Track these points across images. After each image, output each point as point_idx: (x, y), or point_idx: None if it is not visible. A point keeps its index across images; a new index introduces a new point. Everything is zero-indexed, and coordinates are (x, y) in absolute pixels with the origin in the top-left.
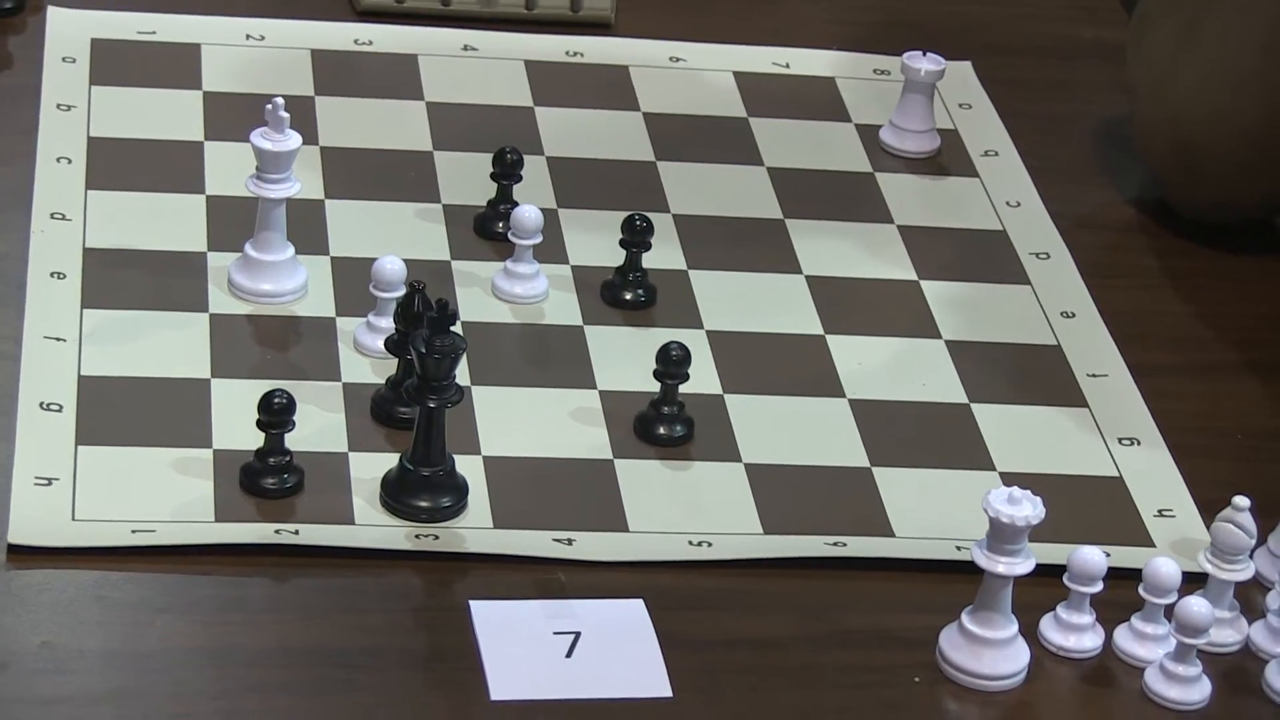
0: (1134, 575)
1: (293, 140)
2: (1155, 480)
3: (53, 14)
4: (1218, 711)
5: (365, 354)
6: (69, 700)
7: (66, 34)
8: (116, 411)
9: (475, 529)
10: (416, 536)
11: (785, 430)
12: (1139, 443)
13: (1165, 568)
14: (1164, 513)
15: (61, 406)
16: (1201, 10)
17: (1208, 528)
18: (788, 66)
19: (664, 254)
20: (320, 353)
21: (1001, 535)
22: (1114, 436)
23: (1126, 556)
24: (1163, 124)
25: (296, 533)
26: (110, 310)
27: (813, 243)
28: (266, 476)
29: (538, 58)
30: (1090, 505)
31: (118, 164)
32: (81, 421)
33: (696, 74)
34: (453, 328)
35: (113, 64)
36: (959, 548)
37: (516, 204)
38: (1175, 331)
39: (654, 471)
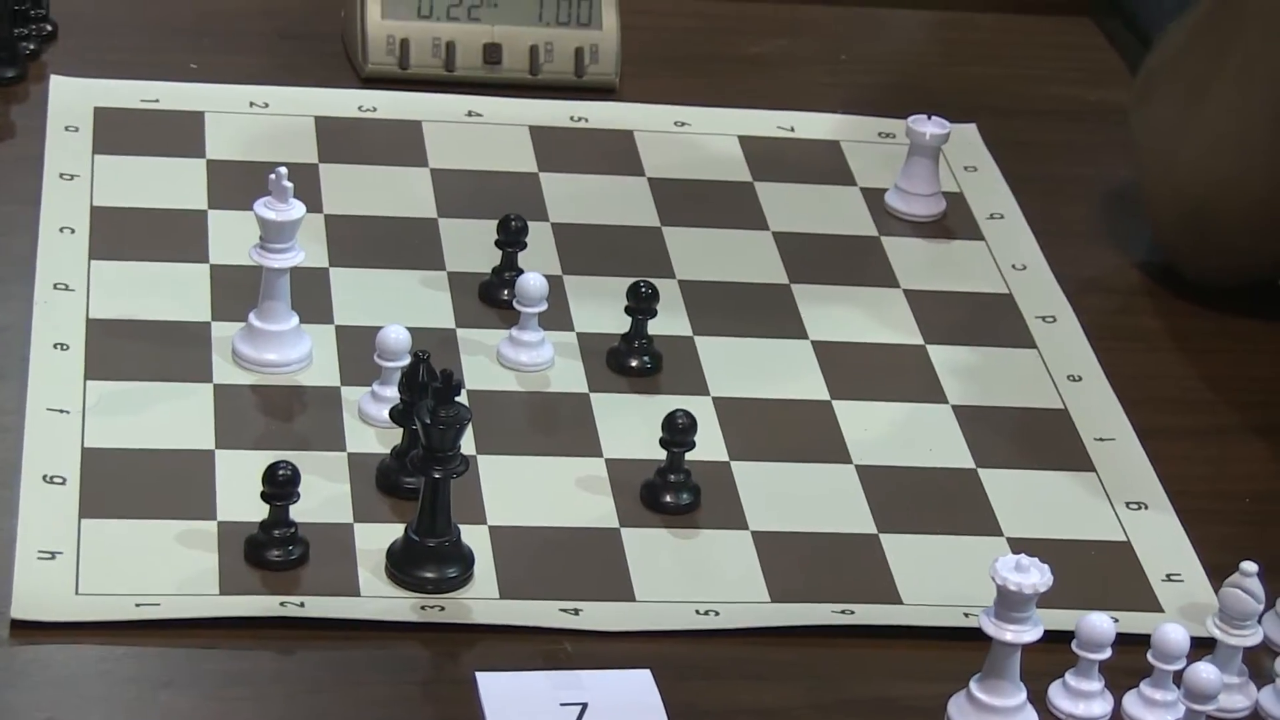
0: (1142, 641)
1: (296, 210)
2: (1163, 545)
3: (56, 83)
4: None
5: (370, 423)
6: None
7: (70, 103)
8: (120, 484)
9: (481, 599)
10: (423, 608)
11: (792, 497)
12: (1146, 507)
13: (1174, 633)
14: (1172, 577)
15: (65, 479)
16: (1206, 76)
17: (1216, 592)
18: (792, 130)
19: (670, 320)
20: (325, 422)
21: (1009, 603)
22: (1121, 501)
23: (1135, 622)
24: (1169, 191)
25: (302, 605)
26: (114, 381)
27: (818, 308)
28: (271, 549)
29: (542, 123)
30: (1098, 570)
31: (121, 233)
32: (85, 494)
33: (701, 138)
34: (458, 398)
35: (116, 132)
36: (967, 614)
37: (521, 271)
38: (1182, 395)
39: (661, 540)
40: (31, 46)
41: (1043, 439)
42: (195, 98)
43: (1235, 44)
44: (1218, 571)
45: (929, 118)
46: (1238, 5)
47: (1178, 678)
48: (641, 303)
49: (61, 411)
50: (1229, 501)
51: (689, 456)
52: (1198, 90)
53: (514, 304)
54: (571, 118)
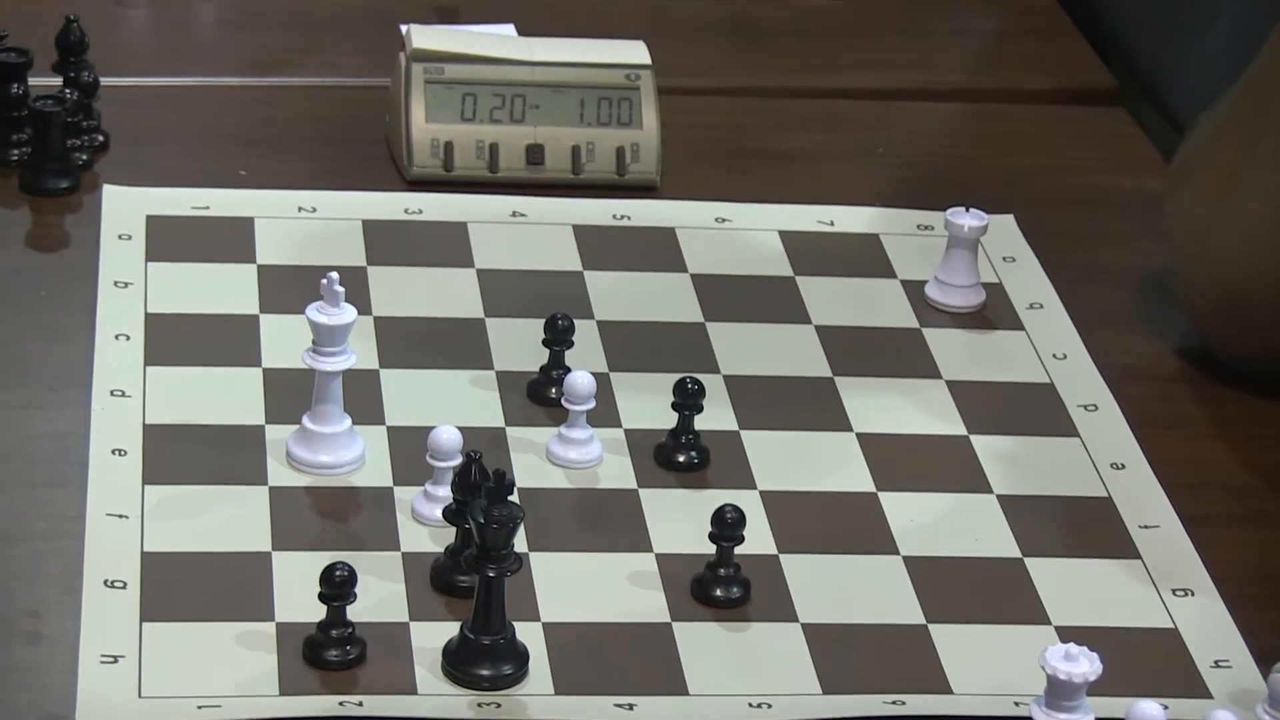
0: None
1: (348, 314)
2: (1210, 631)
3: (108, 192)
4: None
5: (423, 523)
6: None
7: (122, 211)
8: (179, 587)
9: (537, 696)
10: (479, 705)
11: (841, 588)
12: (1193, 593)
13: (1224, 719)
14: (1220, 663)
15: (125, 583)
16: (1239, 164)
17: (1265, 678)
18: (832, 224)
19: (716, 415)
20: (379, 522)
21: (1059, 692)
22: (1167, 587)
23: (1184, 709)
24: (1206, 280)
25: (360, 704)
26: (171, 486)
27: (862, 400)
28: (329, 648)
29: (585, 222)
30: (1146, 658)
31: (175, 339)
32: (145, 598)
33: (742, 234)
34: (510, 497)
35: (168, 240)
36: (1017, 703)
37: (569, 369)
38: (1226, 480)
39: (712, 633)
40: (84, 157)
41: (1087, 527)
42: (245, 204)
43: (1267, 131)
44: (1266, 657)
45: (967, 210)
46: (1269, 94)
47: None
48: (688, 398)
49: (121, 516)
50: (1275, 586)
51: (738, 550)
52: (1231, 178)
53: (562, 402)
54: (614, 216)
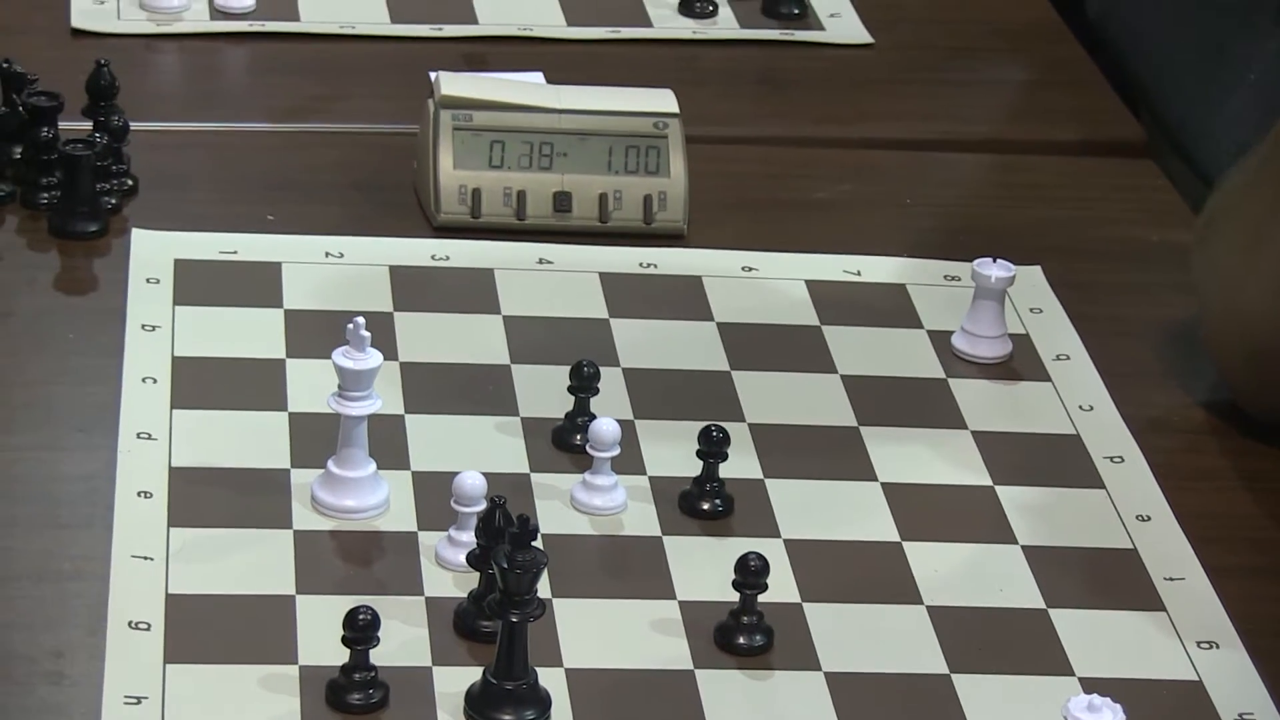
0: None
1: (374, 359)
2: (1235, 684)
3: (137, 236)
4: None
5: (447, 568)
6: None
7: (150, 256)
8: (204, 629)
9: None
10: None
11: (864, 638)
12: (1218, 646)
13: None
14: (1244, 716)
15: (150, 625)
16: (1266, 219)
17: None
18: (859, 274)
19: (740, 463)
20: (402, 567)
21: None
22: (1192, 640)
23: None
24: (1234, 334)
25: None
26: (196, 528)
27: (887, 449)
28: (352, 692)
29: (612, 270)
30: (1170, 710)
31: (201, 383)
32: (169, 640)
33: (769, 283)
34: (534, 543)
35: (196, 284)
36: None
37: (594, 416)
38: (1251, 533)
39: (734, 681)
40: (113, 201)
41: (1112, 578)
42: (273, 249)
43: None
44: None
45: (994, 261)
46: None
47: None
48: (713, 446)
49: (146, 559)
50: None
51: (761, 598)
52: (1260, 232)
53: (587, 449)
54: (641, 264)
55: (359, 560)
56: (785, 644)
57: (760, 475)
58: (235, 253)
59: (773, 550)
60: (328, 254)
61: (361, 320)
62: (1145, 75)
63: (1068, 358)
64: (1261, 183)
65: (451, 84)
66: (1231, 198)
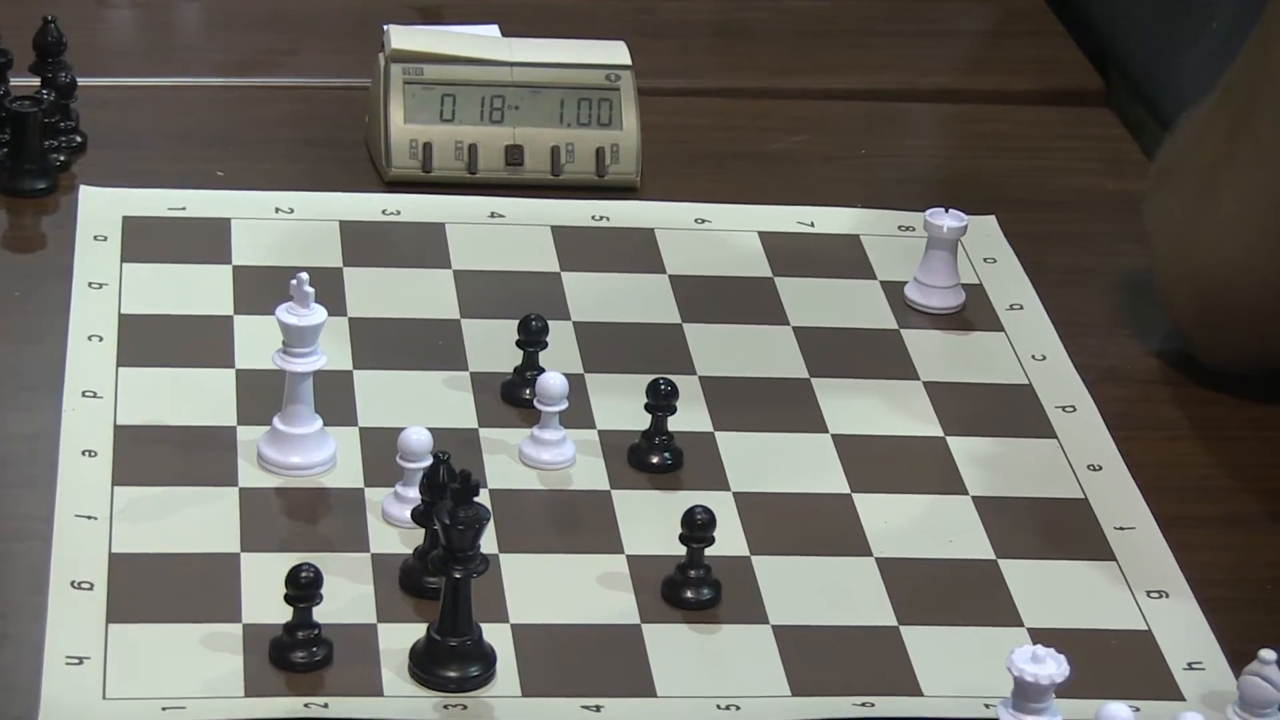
0: None
1: (317, 315)
2: (1184, 633)
3: (85, 193)
4: None
5: (393, 524)
6: None
7: (98, 213)
8: (147, 588)
9: (503, 698)
10: (445, 707)
11: (812, 590)
12: (1167, 595)
13: None
14: (1193, 666)
15: (93, 584)
16: (1218, 167)
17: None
18: (812, 225)
19: (690, 416)
20: (348, 524)
21: (1026, 694)
22: (1142, 589)
23: (1155, 711)
24: (1184, 280)
25: (326, 706)
26: (141, 487)
27: (838, 401)
28: (295, 650)
29: (564, 223)
30: (1119, 659)
31: (148, 341)
32: (112, 599)
33: (721, 235)
34: (476, 498)
35: (144, 241)
36: (987, 705)
37: (542, 370)
38: (1203, 483)
39: (682, 635)
40: (61, 158)
41: (1063, 529)
42: (222, 205)
43: (1246, 132)
44: (1240, 659)
45: (947, 211)
46: (1247, 96)
47: None
48: (661, 400)
49: (89, 518)
50: (1251, 589)
51: (709, 552)
52: (1210, 178)
53: (535, 403)
54: (593, 217)
55: (305, 517)
56: (733, 598)
57: (710, 428)
58: (184, 209)
59: (722, 503)
60: (278, 209)
61: (305, 276)
62: (1112, 27)
63: (1021, 307)
64: (1212, 132)
65: (402, 38)
66: (1183, 147)
